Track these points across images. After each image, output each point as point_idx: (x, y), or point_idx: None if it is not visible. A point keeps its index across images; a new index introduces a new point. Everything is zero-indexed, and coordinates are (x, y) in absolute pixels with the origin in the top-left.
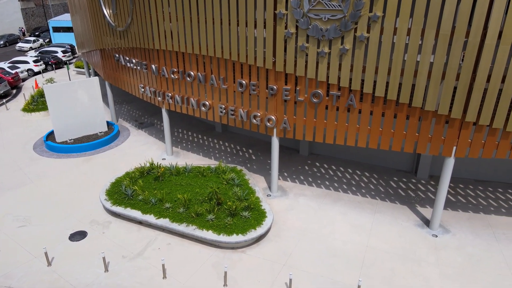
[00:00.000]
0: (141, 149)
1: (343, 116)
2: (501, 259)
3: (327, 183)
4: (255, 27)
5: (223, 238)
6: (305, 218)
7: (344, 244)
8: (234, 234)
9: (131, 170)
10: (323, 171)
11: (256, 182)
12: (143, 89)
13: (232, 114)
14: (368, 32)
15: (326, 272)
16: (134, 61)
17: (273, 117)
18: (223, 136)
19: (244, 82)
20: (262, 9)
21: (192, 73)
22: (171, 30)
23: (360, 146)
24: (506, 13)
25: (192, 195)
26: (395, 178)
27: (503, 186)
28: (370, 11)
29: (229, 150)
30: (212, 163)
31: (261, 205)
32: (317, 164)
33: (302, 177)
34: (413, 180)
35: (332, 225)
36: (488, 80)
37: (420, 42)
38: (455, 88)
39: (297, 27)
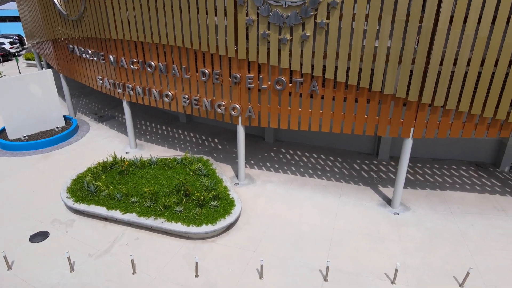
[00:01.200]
0: (102, 143)
1: (307, 102)
2: (457, 231)
3: (293, 168)
4: (216, 14)
5: (192, 229)
6: (273, 204)
7: (312, 227)
8: (204, 225)
9: (93, 166)
10: (289, 157)
11: (223, 171)
12: (101, 81)
13: (196, 104)
14: (328, 18)
15: (295, 256)
16: (90, 51)
17: (237, 106)
18: (188, 126)
19: (206, 71)
20: None
21: (152, 63)
22: (128, 19)
23: (324, 131)
24: None
25: (159, 187)
26: (358, 161)
27: (456, 163)
28: None
29: (194, 140)
30: (178, 154)
31: (229, 194)
32: (283, 150)
33: (268, 164)
34: (375, 162)
35: (300, 209)
36: (441, 64)
37: (377, 28)
38: (411, 71)
39: (258, 14)
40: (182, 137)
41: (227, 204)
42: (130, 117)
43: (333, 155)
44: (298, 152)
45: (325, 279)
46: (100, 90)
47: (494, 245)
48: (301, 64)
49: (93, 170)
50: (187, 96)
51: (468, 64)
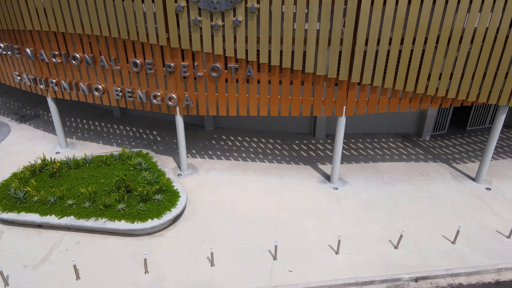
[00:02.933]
0: (27, 145)
1: (243, 87)
2: (389, 199)
3: (235, 154)
4: (143, 1)
5: (138, 225)
6: (219, 191)
7: (258, 210)
8: (149, 220)
9: (19, 170)
10: (230, 144)
11: (165, 163)
12: (19, 78)
13: (130, 96)
14: (258, 2)
15: (244, 239)
16: (2, 45)
17: (174, 96)
18: (123, 120)
19: (138, 61)
20: None
21: (77, 55)
22: (44, 7)
23: (263, 115)
24: None
25: (98, 186)
26: (297, 141)
27: (385, 136)
28: None
29: (131, 134)
30: (115, 150)
31: (173, 186)
32: (224, 137)
33: (210, 152)
34: (313, 141)
35: (245, 194)
36: (366, 44)
37: (306, 11)
38: (340, 52)
39: (187, 0)
40: (118, 132)
41: (171, 196)
42: (57, 114)
43: (273, 138)
44: (239, 138)
45: (275, 258)
46: (19, 87)
47: (422, 208)
48: (235, 50)
49: (19, 175)
50: (119, 88)
51: (390, 43)
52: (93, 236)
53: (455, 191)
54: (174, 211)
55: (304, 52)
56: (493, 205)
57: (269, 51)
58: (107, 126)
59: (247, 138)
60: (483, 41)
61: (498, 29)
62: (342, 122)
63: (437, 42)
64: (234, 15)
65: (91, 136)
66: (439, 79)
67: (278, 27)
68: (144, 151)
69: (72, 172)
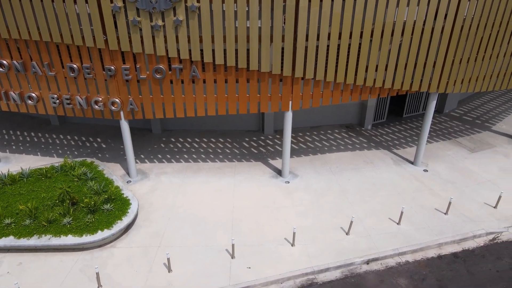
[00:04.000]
0: None
1: (189, 88)
2: (338, 188)
3: (186, 156)
4: (75, 2)
5: (87, 238)
6: (171, 195)
7: (213, 210)
8: (99, 231)
9: None
10: (180, 146)
11: (113, 170)
12: None
13: (69, 103)
14: (198, 1)
15: (201, 241)
16: None
17: (117, 100)
18: (62, 129)
19: (75, 66)
20: None
21: (4, 62)
22: None
23: (211, 114)
24: None
25: (39, 201)
26: (247, 139)
27: (331, 127)
28: None
29: (73, 143)
30: (55, 161)
31: (123, 193)
32: (173, 139)
33: (160, 156)
34: (262, 137)
35: (198, 195)
36: (307, 39)
37: (247, 9)
38: (282, 49)
39: (124, 0)
40: (58, 142)
41: (122, 205)
42: None
43: (222, 137)
44: (189, 139)
45: (233, 256)
46: None
47: (368, 193)
48: (178, 50)
49: None
50: (56, 95)
51: (329, 38)
52: (37, 255)
53: (397, 175)
54: (126, 220)
55: (248, 50)
56: (431, 185)
57: (213, 50)
58: (45, 136)
59: (196, 139)
60: (412, 33)
61: (424, 22)
62: (289, 116)
63: (371, 35)
64: (175, 15)
65: (27, 148)
66: (376, 70)
67: (220, 26)
68: (89, 160)
69: (7, 189)
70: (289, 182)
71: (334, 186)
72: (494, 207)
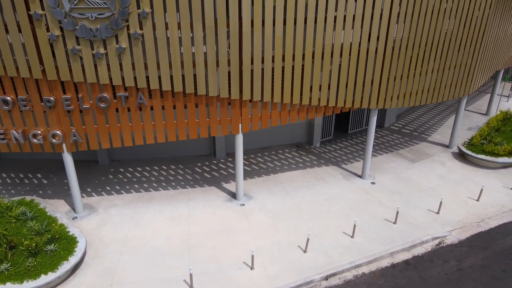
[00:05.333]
0: None
1: (136, 115)
2: (293, 206)
3: (136, 186)
4: (7, 31)
5: (28, 284)
6: (122, 228)
7: (168, 240)
8: (42, 275)
9: None
10: (130, 176)
11: (56, 207)
12: None
13: (3, 139)
14: (141, 28)
15: (156, 274)
16: None
17: (58, 132)
18: None
19: (8, 98)
20: (10, 10)
21: None
22: None
23: (160, 141)
24: (253, 4)
25: None
26: (199, 164)
27: (281, 147)
28: (138, 7)
29: (9, 181)
30: None
31: (69, 231)
32: (122, 170)
33: (108, 188)
34: (214, 161)
35: (152, 225)
36: (252, 62)
37: (191, 35)
38: (229, 72)
39: (61, 28)
40: None
41: (68, 244)
42: None
43: (174, 163)
44: (139, 168)
45: (191, 287)
46: None
47: (322, 210)
48: (122, 78)
49: None
50: None
51: (273, 61)
52: None
53: (347, 189)
54: (72, 260)
55: (195, 75)
56: (379, 197)
57: (159, 77)
58: None
59: (147, 168)
60: (350, 54)
61: (359, 43)
62: (239, 139)
63: (313, 57)
64: (117, 42)
65: None
66: (320, 90)
67: (165, 52)
68: (28, 198)
69: None
70: (244, 205)
71: (289, 205)
72: (437, 213)
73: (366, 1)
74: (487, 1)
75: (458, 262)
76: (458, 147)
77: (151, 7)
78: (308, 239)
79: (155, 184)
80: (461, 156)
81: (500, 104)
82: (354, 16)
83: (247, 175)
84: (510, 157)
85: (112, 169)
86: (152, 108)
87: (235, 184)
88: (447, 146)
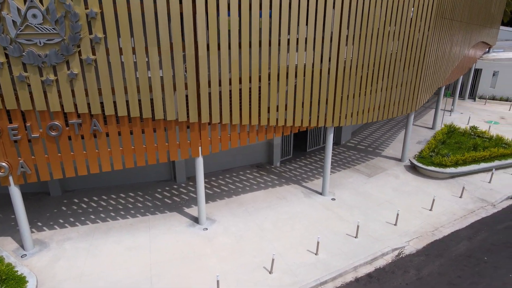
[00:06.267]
0: None
1: (91, 143)
2: (256, 227)
3: (92, 217)
4: None
5: None
6: (78, 263)
7: (128, 271)
8: None
9: None
10: (85, 206)
11: (2, 246)
12: None
13: None
14: (94, 54)
15: None
16: None
17: (3, 164)
18: None
19: None
20: None
21: None
22: None
23: (118, 169)
24: (208, 28)
25: None
26: (159, 189)
27: (242, 169)
28: (91, 33)
29: None
30: None
31: (17, 271)
32: (76, 200)
33: (61, 220)
34: (175, 186)
35: (110, 257)
36: (209, 85)
37: (147, 59)
38: (187, 96)
39: (7, 55)
40: None
41: (16, 284)
42: None
43: (133, 190)
44: (95, 198)
45: None
46: None
47: (285, 229)
48: (75, 104)
49: None
50: None
51: (230, 83)
52: None
53: (309, 206)
54: None
55: (152, 99)
56: (340, 213)
57: (114, 102)
58: None
59: (104, 197)
60: (304, 75)
61: (313, 65)
62: (200, 162)
63: (269, 79)
64: (68, 68)
65: None
66: (277, 110)
67: (120, 77)
68: None
69: None
70: (207, 229)
71: (252, 226)
72: (395, 225)
73: (317, 25)
74: (425, 24)
75: (417, 271)
76: (409, 160)
77: (104, 32)
78: (273, 259)
79: (113, 214)
80: (413, 169)
81: (444, 118)
82: (306, 39)
83: (209, 198)
84: (456, 167)
85: (65, 201)
86: (107, 135)
87: (197, 209)
88: (400, 160)
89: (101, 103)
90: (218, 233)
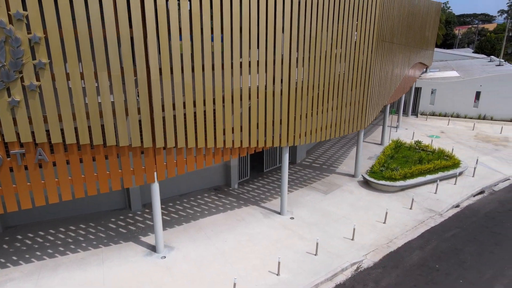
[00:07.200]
0: None
1: (36, 173)
2: (216, 251)
3: (38, 253)
4: None
5: None
6: None
7: None
8: None
9: None
10: (30, 242)
11: None
12: None
13: None
14: (38, 80)
15: None
16: None
17: None
18: None
19: None
20: None
21: None
22: None
23: (66, 199)
24: (159, 53)
25: None
26: (113, 219)
27: (200, 192)
28: (34, 58)
29: None
30: None
31: None
32: (19, 237)
33: (3, 260)
34: (130, 215)
35: None
36: (163, 109)
37: (96, 84)
38: (140, 121)
39: None
40: None
41: None
42: None
43: (84, 222)
44: (41, 233)
45: None
46: None
47: (246, 250)
48: (17, 133)
49: None
50: None
51: (184, 107)
52: None
53: (268, 227)
54: None
55: (102, 125)
56: (299, 231)
57: (62, 130)
58: None
59: (51, 231)
60: (258, 97)
61: (266, 86)
62: (156, 188)
63: (223, 101)
64: (9, 95)
65: None
66: (233, 132)
67: (68, 103)
68: None
69: None
70: (165, 257)
71: (213, 251)
72: (352, 239)
73: (268, 48)
74: (368, 47)
75: (376, 284)
76: (362, 175)
77: (49, 57)
78: (235, 283)
79: (61, 248)
80: (366, 184)
81: (391, 134)
82: (258, 61)
83: (167, 225)
84: (405, 180)
85: (7, 238)
86: (54, 164)
87: (154, 236)
88: (353, 176)
89: (47, 130)
90: (178, 261)
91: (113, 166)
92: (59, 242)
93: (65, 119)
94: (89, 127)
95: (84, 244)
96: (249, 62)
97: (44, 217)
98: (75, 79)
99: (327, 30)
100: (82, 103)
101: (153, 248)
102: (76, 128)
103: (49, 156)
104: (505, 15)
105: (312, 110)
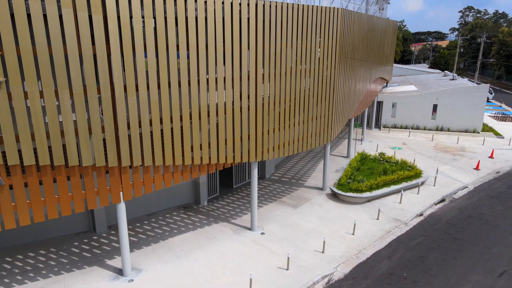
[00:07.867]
0: None
1: None
2: (187, 271)
3: None
4: None
5: None
6: None
7: None
8: None
9: None
10: None
11: None
12: None
13: None
14: None
15: None
16: None
17: None
18: None
19: None
20: None
21: None
22: None
23: (24, 224)
24: (124, 70)
25: None
26: (76, 243)
27: (168, 211)
28: None
29: None
30: None
31: None
32: None
33: None
34: (95, 237)
35: None
36: (129, 128)
37: (57, 103)
38: (104, 139)
39: None
40: None
41: None
42: None
43: (44, 247)
44: None
45: None
46: None
47: (217, 269)
48: None
49: None
50: None
51: (150, 124)
52: None
53: (239, 243)
54: None
55: (64, 145)
56: (270, 246)
57: (19, 151)
58: None
59: (7, 258)
60: (225, 113)
61: (233, 102)
62: (122, 209)
63: (190, 118)
64: None
65: None
66: (201, 149)
67: (26, 123)
68: None
69: None
70: (133, 280)
71: (183, 271)
72: (322, 252)
73: (234, 64)
74: (331, 63)
75: None
76: (330, 188)
77: (5, 75)
78: None
79: (19, 277)
80: (334, 196)
81: (356, 147)
82: (224, 78)
83: (134, 246)
84: (371, 191)
85: None
86: (11, 187)
87: (120, 259)
88: (322, 189)
89: (3, 152)
90: (146, 283)
91: (76, 187)
92: (16, 271)
93: (22, 140)
94: (49, 147)
95: (44, 272)
96: (216, 78)
97: None
98: (34, 98)
99: (291, 47)
100: (42, 123)
101: (120, 272)
102: (35, 149)
103: (5, 179)
104: (456, 32)
105: (279, 125)
